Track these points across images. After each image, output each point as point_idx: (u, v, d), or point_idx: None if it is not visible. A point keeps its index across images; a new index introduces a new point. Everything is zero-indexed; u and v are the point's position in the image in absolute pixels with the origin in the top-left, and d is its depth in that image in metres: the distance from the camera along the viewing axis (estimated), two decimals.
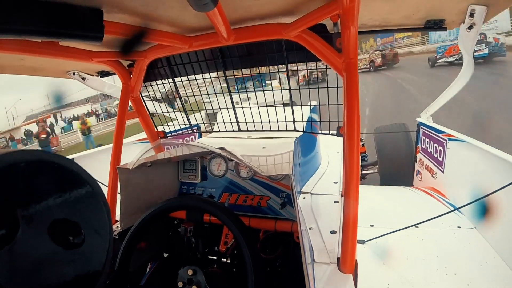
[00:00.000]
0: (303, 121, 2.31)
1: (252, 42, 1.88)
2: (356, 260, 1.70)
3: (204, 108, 2.61)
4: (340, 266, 1.69)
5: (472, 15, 1.88)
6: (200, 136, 4.29)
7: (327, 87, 2.02)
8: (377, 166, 5.80)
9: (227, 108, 2.46)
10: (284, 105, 2.35)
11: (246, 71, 2.27)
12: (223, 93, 2.44)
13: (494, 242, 2.61)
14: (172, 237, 2.06)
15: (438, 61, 26.68)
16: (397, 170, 5.31)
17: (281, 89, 2.31)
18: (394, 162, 5.34)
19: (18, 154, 0.70)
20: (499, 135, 8.44)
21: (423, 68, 27.22)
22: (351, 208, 1.61)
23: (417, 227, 2.66)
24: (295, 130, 2.34)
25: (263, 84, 2.76)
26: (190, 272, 1.56)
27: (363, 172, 5.96)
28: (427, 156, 4.48)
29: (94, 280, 0.85)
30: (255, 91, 2.29)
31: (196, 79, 2.37)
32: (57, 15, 1.18)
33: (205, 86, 2.55)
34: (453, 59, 25.17)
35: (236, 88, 2.49)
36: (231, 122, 2.51)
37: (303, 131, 2.38)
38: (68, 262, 0.79)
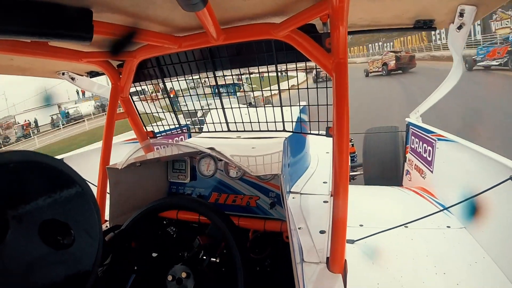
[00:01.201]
0: (292, 121, 2.32)
1: (241, 42, 1.88)
2: (345, 260, 1.70)
3: (194, 109, 2.60)
4: (330, 265, 1.69)
5: (461, 15, 1.89)
6: (190, 136, 4.29)
7: (317, 88, 2.03)
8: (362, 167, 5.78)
9: (216, 108, 2.46)
10: (273, 105, 2.35)
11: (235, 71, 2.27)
12: (212, 93, 2.44)
13: (484, 242, 2.62)
14: (162, 236, 2.06)
15: (477, 64, 22.73)
16: (382, 172, 5.30)
17: (270, 90, 2.31)
18: (380, 165, 5.32)
19: (7, 155, 0.70)
20: None
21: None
22: (340, 208, 1.61)
23: (407, 226, 2.66)
24: (284, 130, 2.34)
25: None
26: (184, 274, 1.55)
27: (352, 173, 5.94)
28: (416, 156, 4.49)
29: (84, 280, 0.85)
30: (244, 91, 2.30)
31: (185, 79, 2.37)
32: (46, 15, 1.18)
33: (195, 86, 2.55)
34: (497, 63, 21.25)
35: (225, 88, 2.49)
36: (220, 123, 2.52)
37: (292, 131, 2.39)
38: (59, 262, 0.79)
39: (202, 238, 1.74)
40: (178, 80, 2.39)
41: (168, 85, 2.48)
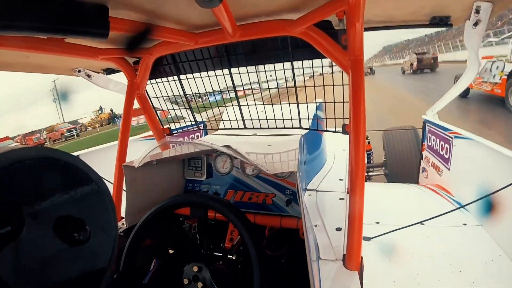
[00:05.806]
0: (308, 119, 2.31)
1: (257, 39, 1.88)
2: (361, 257, 1.69)
3: (210, 106, 2.60)
4: (346, 263, 1.69)
5: (477, 11, 1.88)
6: (206, 133, 4.29)
7: (333, 85, 2.02)
8: (383, 168, 5.76)
9: (232, 105, 2.46)
10: (290, 102, 2.34)
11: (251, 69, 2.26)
12: (228, 90, 2.44)
13: (500, 240, 2.60)
14: (178, 233, 2.07)
15: None
16: (404, 172, 5.25)
17: (286, 87, 2.30)
18: (402, 164, 5.28)
19: (23, 151, 0.70)
20: None
21: None
22: (356, 205, 1.60)
23: (423, 224, 2.64)
24: (300, 127, 2.33)
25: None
26: (195, 269, 1.56)
27: (369, 173, 5.92)
28: (433, 154, 4.45)
29: (99, 277, 0.85)
30: (260, 88, 2.29)
31: (201, 77, 2.37)
32: (62, 12, 1.19)
33: (210, 83, 2.55)
34: None
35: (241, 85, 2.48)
36: (236, 120, 2.51)
37: (308, 129, 2.38)
38: (74, 259, 0.79)
39: (191, 220, 1.77)
40: (193, 77, 2.39)
41: (185, 82, 2.48)
